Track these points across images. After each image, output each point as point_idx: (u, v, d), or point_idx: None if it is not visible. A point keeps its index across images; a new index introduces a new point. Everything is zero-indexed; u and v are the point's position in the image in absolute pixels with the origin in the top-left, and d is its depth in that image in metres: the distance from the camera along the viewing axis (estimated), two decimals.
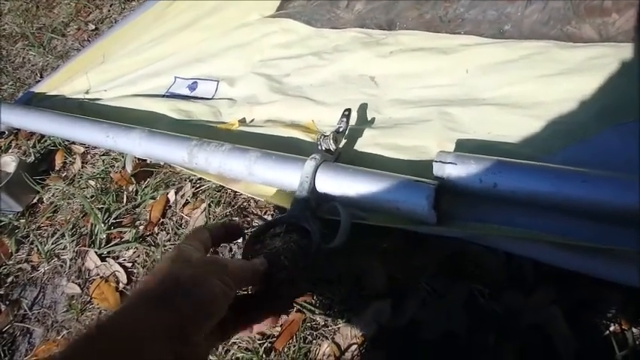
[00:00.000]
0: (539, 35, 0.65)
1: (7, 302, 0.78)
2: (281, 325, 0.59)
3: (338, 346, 0.55)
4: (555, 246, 0.48)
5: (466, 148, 0.58)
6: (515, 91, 0.61)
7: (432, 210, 0.51)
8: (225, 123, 0.80)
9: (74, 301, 0.73)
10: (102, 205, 0.83)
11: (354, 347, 0.54)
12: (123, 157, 0.88)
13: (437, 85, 0.67)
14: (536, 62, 0.62)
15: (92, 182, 0.89)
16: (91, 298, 0.72)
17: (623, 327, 0.47)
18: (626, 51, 0.58)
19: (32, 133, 1.06)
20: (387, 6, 0.83)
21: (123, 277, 0.73)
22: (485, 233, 0.51)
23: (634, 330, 0.47)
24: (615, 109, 0.54)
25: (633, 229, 0.46)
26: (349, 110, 0.66)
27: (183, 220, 0.76)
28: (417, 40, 0.73)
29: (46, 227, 0.87)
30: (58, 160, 0.99)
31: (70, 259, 0.79)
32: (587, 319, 0.49)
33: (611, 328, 0.47)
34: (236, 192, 0.73)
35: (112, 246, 0.77)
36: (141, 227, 0.78)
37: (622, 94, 0.55)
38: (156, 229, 0.77)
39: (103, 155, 0.95)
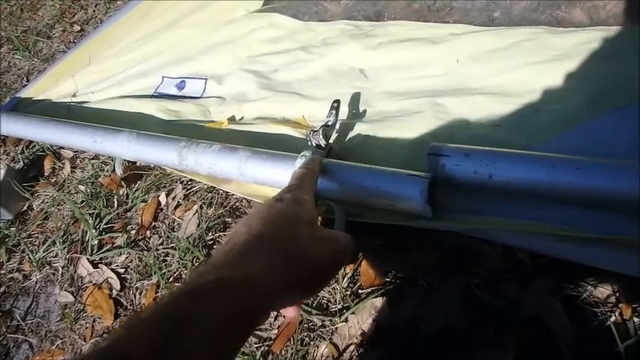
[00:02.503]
0: (529, 21, 0.64)
1: (0, 313, 0.76)
2: (278, 327, 0.58)
3: (336, 346, 0.54)
4: (553, 236, 0.48)
5: (459, 139, 0.57)
6: (506, 79, 0.60)
7: (427, 204, 0.50)
8: (214, 122, 0.78)
9: (67, 310, 0.72)
10: (92, 211, 0.82)
11: (352, 347, 0.53)
12: (112, 160, 0.87)
13: (427, 75, 0.66)
14: (527, 49, 0.61)
15: (82, 187, 0.88)
16: (84, 306, 0.71)
17: (624, 317, 0.47)
18: (617, 34, 0.57)
19: (20, 139, 1.04)
20: None
21: (116, 283, 0.72)
22: (482, 226, 0.50)
23: (635, 320, 0.46)
24: (609, 94, 0.53)
25: (630, 216, 0.45)
26: (338, 102, 0.65)
27: (175, 223, 0.75)
28: (405, 30, 0.72)
29: (37, 235, 0.86)
30: (47, 165, 0.97)
31: (62, 267, 0.78)
32: (587, 309, 0.48)
33: (612, 319, 0.47)
34: (228, 192, 0.72)
35: (104, 252, 0.76)
36: (133, 232, 0.77)
37: (615, 78, 0.54)
38: (148, 232, 0.76)
39: (92, 159, 0.93)
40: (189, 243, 0.69)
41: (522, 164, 0.49)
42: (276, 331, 0.58)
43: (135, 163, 0.82)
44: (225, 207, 0.72)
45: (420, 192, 0.49)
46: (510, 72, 0.60)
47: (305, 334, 0.56)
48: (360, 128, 0.65)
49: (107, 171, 0.88)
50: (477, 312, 0.51)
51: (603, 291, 0.49)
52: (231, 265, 0.32)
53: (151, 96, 0.91)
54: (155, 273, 0.69)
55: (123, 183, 0.83)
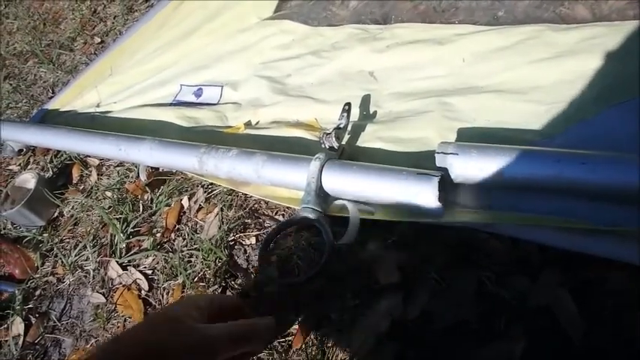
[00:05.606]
0: (533, 19, 0.65)
1: (37, 315, 0.81)
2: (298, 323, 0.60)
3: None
4: (560, 229, 0.49)
5: (467, 137, 0.59)
6: (511, 77, 0.61)
7: (437, 201, 0.52)
8: (231, 127, 0.81)
9: (100, 310, 0.76)
10: (120, 215, 0.85)
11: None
12: (136, 167, 0.91)
13: (434, 75, 0.68)
14: (531, 47, 0.62)
15: (109, 193, 0.92)
16: (115, 307, 0.75)
17: (632, 306, 0.48)
18: (620, 29, 0.58)
19: (49, 149, 1.09)
20: None
21: (144, 284, 0.75)
22: (491, 221, 0.52)
23: None
24: (613, 89, 0.54)
25: (636, 208, 0.46)
26: (349, 104, 0.67)
27: (198, 226, 0.79)
28: (412, 32, 0.74)
29: (68, 240, 0.90)
30: (75, 173, 1.02)
31: (93, 270, 0.82)
32: (595, 299, 0.49)
33: (620, 308, 0.48)
34: (247, 194, 0.75)
35: (132, 255, 0.80)
36: (158, 235, 0.81)
37: (619, 73, 0.55)
38: (172, 235, 0.80)
39: (117, 167, 0.97)
40: (212, 244, 0.72)
41: (528, 160, 0.50)
42: (296, 326, 0.60)
43: (158, 169, 0.86)
44: (245, 208, 0.75)
45: (430, 189, 0.51)
46: (515, 69, 0.61)
47: (324, 331, 0.58)
48: (370, 129, 0.67)
49: (132, 177, 0.92)
50: (488, 305, 0.53)
51: (611, 281, 0.50)
52: None
53: (170, 104, 0.95)
54: (180, 274, 0.72)
55: (147, 188, 0.87)
